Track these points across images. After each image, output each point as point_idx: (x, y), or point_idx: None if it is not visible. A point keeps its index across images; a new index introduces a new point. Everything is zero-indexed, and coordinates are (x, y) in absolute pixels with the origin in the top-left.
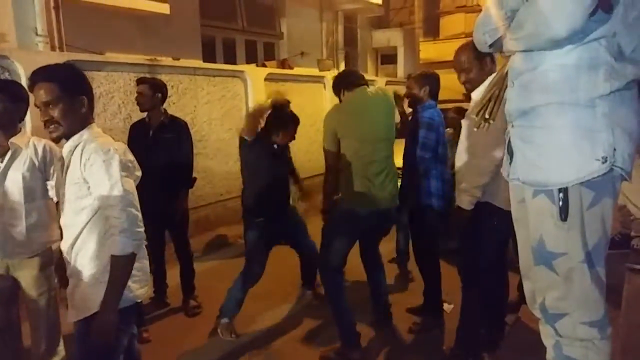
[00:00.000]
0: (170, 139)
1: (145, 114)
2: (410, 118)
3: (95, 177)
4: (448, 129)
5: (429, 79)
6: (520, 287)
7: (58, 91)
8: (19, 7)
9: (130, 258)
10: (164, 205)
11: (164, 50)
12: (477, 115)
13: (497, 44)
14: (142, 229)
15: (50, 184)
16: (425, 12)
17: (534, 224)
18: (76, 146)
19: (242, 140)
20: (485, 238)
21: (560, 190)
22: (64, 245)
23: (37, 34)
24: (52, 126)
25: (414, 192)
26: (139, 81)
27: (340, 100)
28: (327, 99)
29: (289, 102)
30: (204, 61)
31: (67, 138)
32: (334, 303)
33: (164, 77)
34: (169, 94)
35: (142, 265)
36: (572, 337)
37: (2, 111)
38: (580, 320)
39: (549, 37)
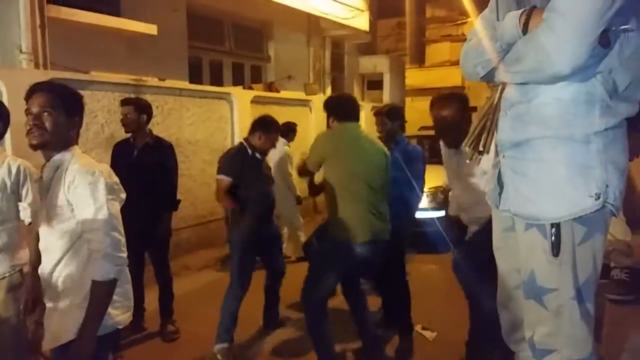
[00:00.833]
0: (155, 160)
1: (129, 134)
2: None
3: (80, 199)
4: None
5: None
6: None
7: (57, 103)
8: (4, 24)
9: (112, 284)
10: (146, 227)
11: (150, 70)
12: (469, 146)
13: (489, 76)
14: (125, 254)
15: (23, 205)
16: (412, 40)
17: (525, 257)
18: (58, 167)
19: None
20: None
21: (552, 225)
22: (43, 270)
23: (21, 52)
24: (38, 132)
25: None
26: (124, 102)
27: (329, 125)
28: (314, 122)
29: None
30: (190, 82)
31: (47, 150)
32: (314, 334)
33: (149, 98)
34: (154, 114)
35: (125, 290)
36: None
37: None
38: (568, 357)
39: (552, 73)
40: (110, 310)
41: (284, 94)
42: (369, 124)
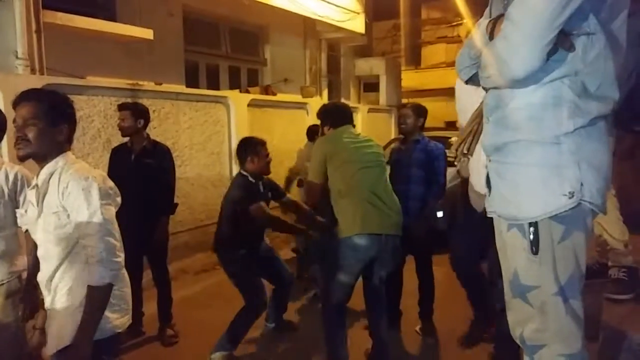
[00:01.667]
0: (152, 164)
1: (127, 138)
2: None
3: (74, 205)
4: None
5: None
6: None
7: (40, 113)
8: (0, 29)
9: (107, 289)
10: (144, 231)
11: (147, 75)
12: (456, 149)
13: (474, 80)
14: (120, 258)
15: (20, 212)
16: (407, 42)
17: (509, 257)
18: (52, 174)
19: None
20: None
21: (530, 224)
22: (42, 277)
23: (17, 57)
24: (22, 143)
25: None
26: (121, 107)
27: (323, 133)
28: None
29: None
30: (187, 86)
31: (35, 159)
32: (329, 340)
33: (145, 102)
34: (150, 118)
35: (123, 293)
36: None
37: None
38: (558, 352)
39: (509, 78)
40: (108, 314)
41: (280, 97)
42: (366, 126)
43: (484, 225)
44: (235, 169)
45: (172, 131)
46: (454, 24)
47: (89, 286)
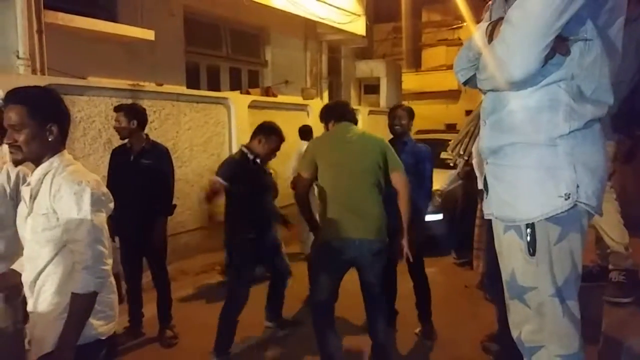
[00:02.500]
0: (151, 164)
1: (126, 140)
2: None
3: (64, 208)
4: None
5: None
6: None
7: (26, 116)
8: (1, 30)
9: (91, 297)
10: (143, 232)
11: (148, 75)
12: (452, 151)
13: (472, 82)
14: (108, 266)
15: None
16: (408, 44)
17: (507, 258)
18: (45, 174)
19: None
20: None
21: (527, 226)
22: (26, 279)
23: (18, 57)
24: (13, 149)
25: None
26: (116, 109)
27: (328, 130)
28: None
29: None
30: (187, 87)
31: (31, 162)
32: (319, 340)
33: (146, 103)
34: (151, 119)
35: (109, 300)
36: None
37: None
38: (555, 353)
39: (506, 80)
40: (92, 320)
41: (281, 98)
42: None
43: None
44: None
45: (172, 132)
46: (455, 26)
47: (73, 293)
